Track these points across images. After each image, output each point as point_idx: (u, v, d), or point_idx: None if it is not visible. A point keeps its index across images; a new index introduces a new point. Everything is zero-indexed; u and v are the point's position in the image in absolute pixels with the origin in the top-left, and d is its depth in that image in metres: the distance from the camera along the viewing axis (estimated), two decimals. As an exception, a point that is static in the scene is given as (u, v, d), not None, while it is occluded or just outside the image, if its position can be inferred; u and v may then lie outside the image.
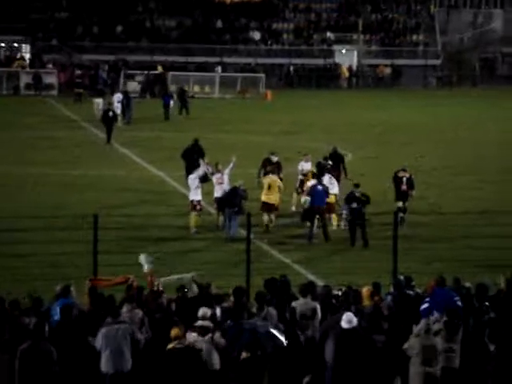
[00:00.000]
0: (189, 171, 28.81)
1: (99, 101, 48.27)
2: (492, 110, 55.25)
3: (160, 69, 63.32)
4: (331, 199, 24.58)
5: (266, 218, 24.27)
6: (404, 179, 25.65)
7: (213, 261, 20.46)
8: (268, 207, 24.46)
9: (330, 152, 28.43)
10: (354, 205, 22.96)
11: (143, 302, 14.74)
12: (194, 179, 24.54)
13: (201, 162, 25.96)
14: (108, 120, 39.74)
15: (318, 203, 23.58)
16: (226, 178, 24.62)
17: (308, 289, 14.73)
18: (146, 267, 16.17)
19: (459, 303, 14.49)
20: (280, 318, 14.19)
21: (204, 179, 24.74)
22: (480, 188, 30.73)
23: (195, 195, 24.21)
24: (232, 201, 23.55)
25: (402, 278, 16.00)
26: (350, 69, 71.13)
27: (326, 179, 24.94)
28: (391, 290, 16.01)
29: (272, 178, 25.18)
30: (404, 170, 25.94)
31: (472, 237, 22.34)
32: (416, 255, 21.63)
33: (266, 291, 15.10)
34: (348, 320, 13.20)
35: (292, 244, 23.03)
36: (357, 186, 23.39)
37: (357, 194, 23.08)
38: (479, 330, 13.97)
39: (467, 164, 35.85)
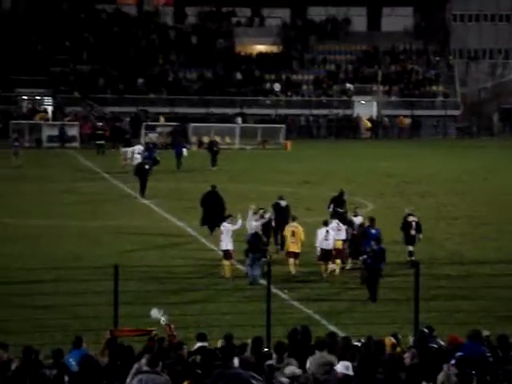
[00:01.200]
0: (207, 219, 29.63)
1: (126, 150, 48.99)
2: (511, 160, 55.16)
3: (162, 119, 63.97)
4: (338, 244, 24.95)
5: (292, 267, 24.45)
6: (413, 224, 26.26)
7: (233, 311, 20.41)
8: (294, 255, 24.94)
9: (335, 195, 29.21)
10: (368, 260, 22.59)
11: (164, 353, 14.71)
12: (227, 229, 24.83)
13: (239, 216, 25.97)
14: (142, 173, 38.94)
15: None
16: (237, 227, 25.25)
17: (324, 342, 14.61)
18: (162, 320, 16.11)
19: (491, 359, 14.37)
20: (301, 368, 14.12)
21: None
22: (500, 238, 30.61)
23: (228, 244, 24.66)
24: (255, 246, 24.10)
25: (425, 330, 15.91)
26: (371, 120, 71.48)
27: (334, 225, 25.26)
28: (411, 341, 15.91)
29: (295, 225, 25.36)
30: (413, 215, 26.50)
31: (493, 287, 22.21)
32: (436, 305, 21.52)
33: (288, 342, 15.05)
34: (345, 367, 13.18)
35: (313, 294, 22.94)
36: (378, 240, 23.20)
37: (374, 248, 22.70)
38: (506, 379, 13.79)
39: (487, 214, 35.74)
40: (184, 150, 50.07)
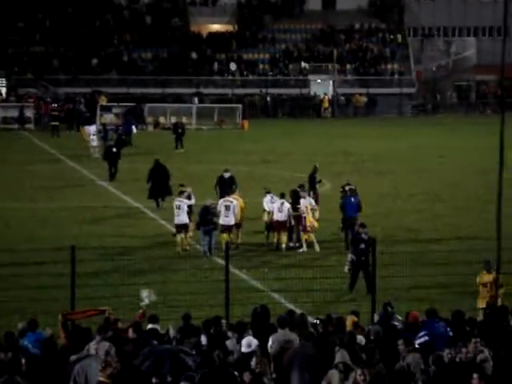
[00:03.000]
0: (154, 193, 31.15)
1: (89, 127, 49.08)
2: (466, 137, 55.69)
3: (104, 100, 63.61)
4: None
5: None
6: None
7: (192, 291, 20.41)
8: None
9: (310, 172, 29.72)
10: (362, 246, 21.71)
11: (118, 334, 14.68)
12: (184, 204, 25.61)
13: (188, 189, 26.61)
14: (111, 157, 38.05)
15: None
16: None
17: (286, 320, 14.69)
18: (145, 302, 16.01)
19: (451, 333, 14.57)
20: (261, 347, 14.20)
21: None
22: (455, 215, 30.92)
23: (185, 219, 25.47)
24: (205, 219, 24.90)
25: (389, 308, 16.01)
26: (328, 99, 71.64)
27: (268, 198, 26.27)
28: (376, 319, 16.04)
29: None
30: (349, 184, 27.38)
31: (449, 263, 22.44)
32: (394, 282, 21.69)
33: (250, 321, 15.13)
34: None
35: (272, 273, 23.01)
36: (363, 225, 22.19)
37: (363, 236, 21.84)
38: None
39: (443, 191, 36.07)
40: (133, 127, 50.50)
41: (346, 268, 21.88)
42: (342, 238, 25.76)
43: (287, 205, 25.87)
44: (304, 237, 25.60)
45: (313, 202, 26.55)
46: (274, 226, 25.92)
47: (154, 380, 12.69)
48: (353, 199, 26.02)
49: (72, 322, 15.42)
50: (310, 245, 25.50)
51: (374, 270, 17.99)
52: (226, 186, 28.92)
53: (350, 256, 21.85)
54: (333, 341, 14.02)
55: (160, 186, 31.33)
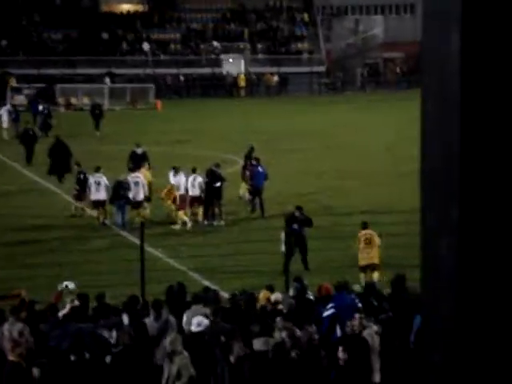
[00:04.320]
0: (54, 168, 32.27)
1: None
2: (376, 114, 56.67)
3: (13, 81, 62.77)
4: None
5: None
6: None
7: (107, 271, 20.52)
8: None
9: (246, 152, 30.44)
10: (295, 226, 22.04)
11: (36, 315, 14.73)
12: (104, 181, 26.58)
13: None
14: (28, 139, 37.49)
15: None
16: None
17: (199, 296, 14.98)
18: (63, 286, 16.00)
19: (360, 305, 14.72)
20: (178, 325, 14.43)
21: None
22: (366, 191, 31.61)
23: (104, 195, 26.34)
24: (119, 194, 25.81)
25: (303, 282, 16.36)
26: (247, 78, 71.73)
27: (171, 173, 27.10)
28: (291, 292, 16.36)
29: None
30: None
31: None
32: (308, 257, 22.17)
33: (166, 299, 15.32)
34: (198, 323, 13.56)
35: (187, 251, 23.27)
36: (299, 208, 22.51)
37: (297, 215, 22.20)
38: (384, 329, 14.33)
39: (354, 168, 36.77)
40: (39, 105, 50.01)
41: (282, 247, 21.53)
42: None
43: (200, 179, 26.40)
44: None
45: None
46: (183, 201, 26.46)
47: (72, 358, 12.83)
48: (260, 169, 27.82)
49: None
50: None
51: (289, 245, 18.34)
52: (138, 161, 29.66)
53: (282, 235, 21.85)
54: (243, 315, 14.35)
55: (60, 162, 32.42)
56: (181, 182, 26.73)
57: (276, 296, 15.10)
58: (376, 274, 20.33)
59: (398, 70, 76.95)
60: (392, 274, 16.35)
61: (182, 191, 26.52)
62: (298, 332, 13.61)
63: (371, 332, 13.53)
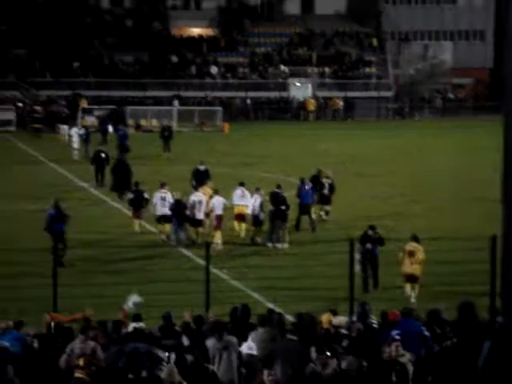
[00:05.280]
0: (117, 185, 33.76)
1: (64, 126, 51.74)
2: (444, 140, 56.23)
3: (85, 102, 63.77)
4: (242, 209, 27.32)
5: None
6: (327, 184, 29.98)
7: (172, 291, 20.68)
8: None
9: (314, 174, 31.10)
10: (369, 245, 22.19)
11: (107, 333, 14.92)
12: (168, 198, 27.19)
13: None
14: (99, 162, 37.60)
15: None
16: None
17: (265, 318, 15.03)
18: (129, 305, 16.20)
19: (427, 333, 14.66)
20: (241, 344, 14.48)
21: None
22: (432, 216, 31.38)
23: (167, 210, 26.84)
24: (178, 212, 26.28)
25: (367, 307, 16.33)
26: (316, 102, 71.84)
27: (239, 192, 27.70)
28: (353, 318, 16.32)
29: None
30: (328, 177, 30.20)
31: (426, 263, 22.84)
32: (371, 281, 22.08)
33: (230, 320, 15.39)
34: (249, 347, 13.54)
35: (251, 273, 23.35)
36: (372, 227, 22.67)
37: (370, 234, 22.34)
38: (444, 356, 14.24)
39: (419, 192, 36.55)
40: (109, 126, 52.06)
41: (357, 268, 21.56)
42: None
43: (259, 200, 26.99)
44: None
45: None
46: (242, 219, 27.37)
47: (129, 376, 12.95)
48: (306, 187, 28.48)
49: (55, 322, 15.66)
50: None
51: (351, 269, 18.29)
52: (201, 178, 30.72)
53: (356, 255, 21.81)
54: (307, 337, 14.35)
55: (122, 180, 33.65)
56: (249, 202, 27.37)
57: (338, 320, 15.05)
58: (416, 288, 21.11)
59: (466, 96, 76.31)
60: (458, 300, 16.21)
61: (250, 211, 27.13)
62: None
63: (406, 360, 13.50)
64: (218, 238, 26.40)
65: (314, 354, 13.62)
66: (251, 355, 13.44)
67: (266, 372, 12.76)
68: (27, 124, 59.52)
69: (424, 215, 31.49)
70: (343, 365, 13.42)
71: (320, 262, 23.27)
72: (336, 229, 27.97)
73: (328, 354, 13.44)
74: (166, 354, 13.66)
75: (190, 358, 13.74)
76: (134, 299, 16.31)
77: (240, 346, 14.25)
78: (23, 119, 60.81)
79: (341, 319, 15.22)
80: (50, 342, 14.39)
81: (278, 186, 27.70)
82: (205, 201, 26.91)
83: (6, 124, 60.90)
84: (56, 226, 24.23)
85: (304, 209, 28.32)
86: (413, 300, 21.25)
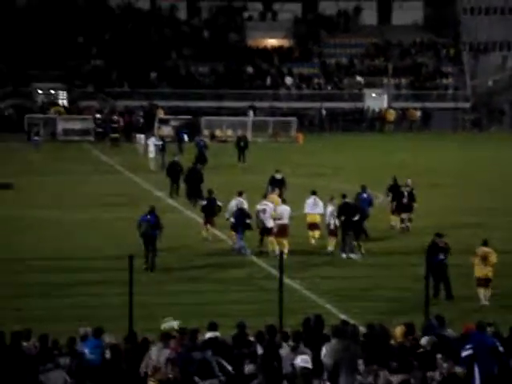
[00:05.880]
0: (191, 193, 34.87)
1: (141, 136, 53.27)
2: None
3: (161, 112, 64.22)
4: (315, 218, 27.71)
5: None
6: (405, 193, 30.35)
7: (245, 300, 20.77)
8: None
9: (390, 183, 31.41)
10: (441, 256, 22.12)
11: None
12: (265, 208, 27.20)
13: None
14: (174, 173, 37.56)
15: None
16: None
17: (340, 330, 14.93)
18: (165, 327, 16.20)
19: (501, 348, 14.51)
20: (316, 355, 14.45)
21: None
22: (507, 228, 30.88)
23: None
24: (241, 220, 26.67)
25: (433, 320, 16.14)
26: (396, 113, 71.37)
27: (311, 200, 28.16)
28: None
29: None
30: (406, 186, 30.70)
31: (506, 276, 22.49)
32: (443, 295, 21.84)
33: (303, 330, 15.38)
34: (305, 361, 13.55)
35: (324, 283, 23.30)
36: (439, 235, 22.72)
37: (440, 245, 22.33)
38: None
39: (496, 206, 36.03)
40: (185, 135, 53.50)
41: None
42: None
43: (330, 208, 27.19)
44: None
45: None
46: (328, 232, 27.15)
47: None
48: (365, 195, 28.92)
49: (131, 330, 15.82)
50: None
51: (427, 281, 18.06)
52: (276, 187, 31.24)
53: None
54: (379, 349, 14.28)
55: (195, 188, 34.70)
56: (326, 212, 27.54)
57: (426, 340, 14.86)
58: (489, 290, 21.62)
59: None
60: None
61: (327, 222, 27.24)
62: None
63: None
64: (282, 246, 26.39)
65: (361, 367, 13.56)
66: (305, 368, 13.42)
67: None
68: (106, 134, 60.43)
69: (504, 228, 31.03)
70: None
71: (394, 274, 23.10)
72: (411, 240, 27.70)
73: (375, 366, 13.42)
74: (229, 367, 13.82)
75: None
76: (171, 324, 16.26)
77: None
78: (102, 129, 61.74)
79: (428, 339, 14.99)
80: (122, 352, 14.59)
81: (344, 196, 27.69)
82: (269, 209, 27.00)
83: (85, 133, 61.96)
84: (152, 232, 24.98)
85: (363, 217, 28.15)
86: (486, 302, 21.44)
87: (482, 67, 77.03)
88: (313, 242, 27.97)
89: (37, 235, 29.64)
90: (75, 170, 46.36)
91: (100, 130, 61.41)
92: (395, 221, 30.77)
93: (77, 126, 62.43)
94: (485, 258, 21.69)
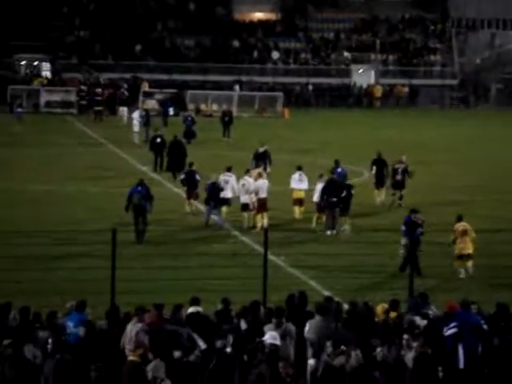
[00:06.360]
0: (171, 166, 34.76)
1: (124, 108, 54.09)
2: (508, 130, 55.27)
3: (146, 85, 63.83)
4: (300, 194, 27.75)
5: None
6: (399, 170, 30.29)
7: (228, 276, 20.61)
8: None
9: (374, 157, 31.43)
10: (419, 230, 22.07)
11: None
12: (228, 179, 27.25)
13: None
14: (156, 147, 37.24)
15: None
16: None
17: (324, 307, 14.80)
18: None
19: (485, 326, 14.45)
20: (300, 332, 14.32)
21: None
22: (496, 207, 30.81)
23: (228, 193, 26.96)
24: (214, 194, 26.49)
25: (418, 298, 16.02)
26: (383, 89, 71.15)
27: (296, 176, 28.16)
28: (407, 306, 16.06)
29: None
30: (401, 162, 30.57)
31: (489, 255, 22.44)
32: (433, 272, 21.76)
33: (286, 307, 15.23)
34: (273, 337, 13.38)
35: (308, 260, 23.16)
36: (415, 211, 22.70)
37: (418, 221, 22.34)
38: (505, 349, 13.97)
39: (483, 183, 35.95)
40: (170, 109, 53.96)
41: (400, 252, 22.06)
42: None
43: (319, 187, 26.97)
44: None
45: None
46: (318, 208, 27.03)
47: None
48: (339, 169, 28.83)
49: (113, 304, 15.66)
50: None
51: (413, 261, 17.96)
52: (259, 160, 31.57)
53: (404, 240, 21.98)
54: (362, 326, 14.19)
55: (177, 161, 34.49)
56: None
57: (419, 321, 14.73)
58: (470, 263, 21.81)
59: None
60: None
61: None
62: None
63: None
64: (260, 220, 26.29)
65: (329, 349, 13.43)
66: (273, 345, 13.29)
67: (281, 364, 12.65)
68: (89, 106, 59.93)
69: (486, 207, 30.93)
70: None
71: (380, 251, 22.98)
72: (397, 217, 27.49)
73: (343, 347, 13.32)
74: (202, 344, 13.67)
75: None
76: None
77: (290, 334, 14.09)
78: (86, 102, 61.20)
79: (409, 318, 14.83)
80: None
81: (346, 175, 27.72)
82: (248, 184, 26.97)
83: (69, 106, 61.43)
84: (144, 204, 25.07)
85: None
86: (470, 273, 21.80)
87: (470, 44, 76.81)
88: (297, 217, 27.82)
89: (21, 208, 29.34)
90: (59, 142, 46.05)
91: (83, 102, 61.03)
92: (379, 196, 30.71)
93: (60, 98, 61.87)
94: (465, 233, 21.88)
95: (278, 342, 13.40)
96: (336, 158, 30.01)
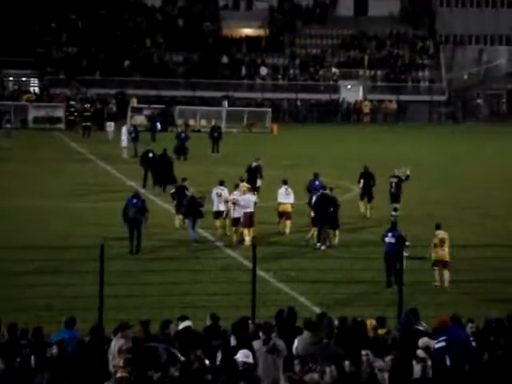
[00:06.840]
0: (158, 180, 35.25)
1: (111, 123, 53.85)
2: (495, 145, 55.47)
3: (134, 101, 63.87)
4: (287, 208, 28.01)
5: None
6: (393, 184, 31.13)
7: (217, 292, 20.53)
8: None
9: (361, 171, 31.89)
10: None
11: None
12: (221, 192, 27.56)
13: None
14: (148, 162, 36.75)
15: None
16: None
17: (313, 323, 14.74)
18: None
19: (473, 343, 14.47)
20: (288, 349, 14.24)
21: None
22: (483, 222, 30.86)
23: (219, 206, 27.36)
24: (193, 208, 26.66)
25: (411, 315, 15.97)
26: (372, 105, 71.37)
27: (283, 190, 28.38)
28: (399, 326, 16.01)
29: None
30: (394, 176, 31.42)
31: (477, 270, 22.45)
32: (421, 287, 21.73)
33: (275, 322, 15.17)
34: (246, 355, 13.26)
35: (298, 276, 23.09)
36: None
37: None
38: (494, 365, 13.96)
39: (470, 199, 36.04)
40: (158, 124, 54.08)
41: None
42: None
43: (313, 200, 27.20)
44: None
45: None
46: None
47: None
48: (317, 182, 29.41)
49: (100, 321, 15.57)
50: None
51: (400, 276, 17.94)
52: (252, 175, 31.86)
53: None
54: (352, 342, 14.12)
55: (165, 174, 34.88)
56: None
57: (423, 342, 14.63)
58: (447, 274, 22.15)
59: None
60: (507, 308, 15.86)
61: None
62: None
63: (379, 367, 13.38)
64: (246, 235, 26.36)
65: (298, 367, 13.28)
66: (246, 363, 13.20)
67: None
68: (77, 122, 59.84)
69: (473, 222, 31.00)
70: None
71: (370, 267, 22.94)
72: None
73: (311, 364, 13.16)
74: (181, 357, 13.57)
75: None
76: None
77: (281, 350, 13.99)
78: (74, 117, 61.10)
79: (425, 340, 14.71)
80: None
81: (324, 188, 27.73)
82: (225, 194, 27.26)
83: (57, 121, 61.32)
84: (139, 217, 25.30)
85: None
86: (446, 284, 22.05)
87: (457, 60, 77.13)
88: (287, 231, 27.80)
89: (9, 223, 29.23)
90: (47, 158, 45.97)
91: (71, 118, 60.93)
92: (364, 208, 30.86)
93: (48, 113, 61.76)
94: (443, 241, 22.55)
95: (250, 360, 13.31)
96: (315, 171, 30.50)
